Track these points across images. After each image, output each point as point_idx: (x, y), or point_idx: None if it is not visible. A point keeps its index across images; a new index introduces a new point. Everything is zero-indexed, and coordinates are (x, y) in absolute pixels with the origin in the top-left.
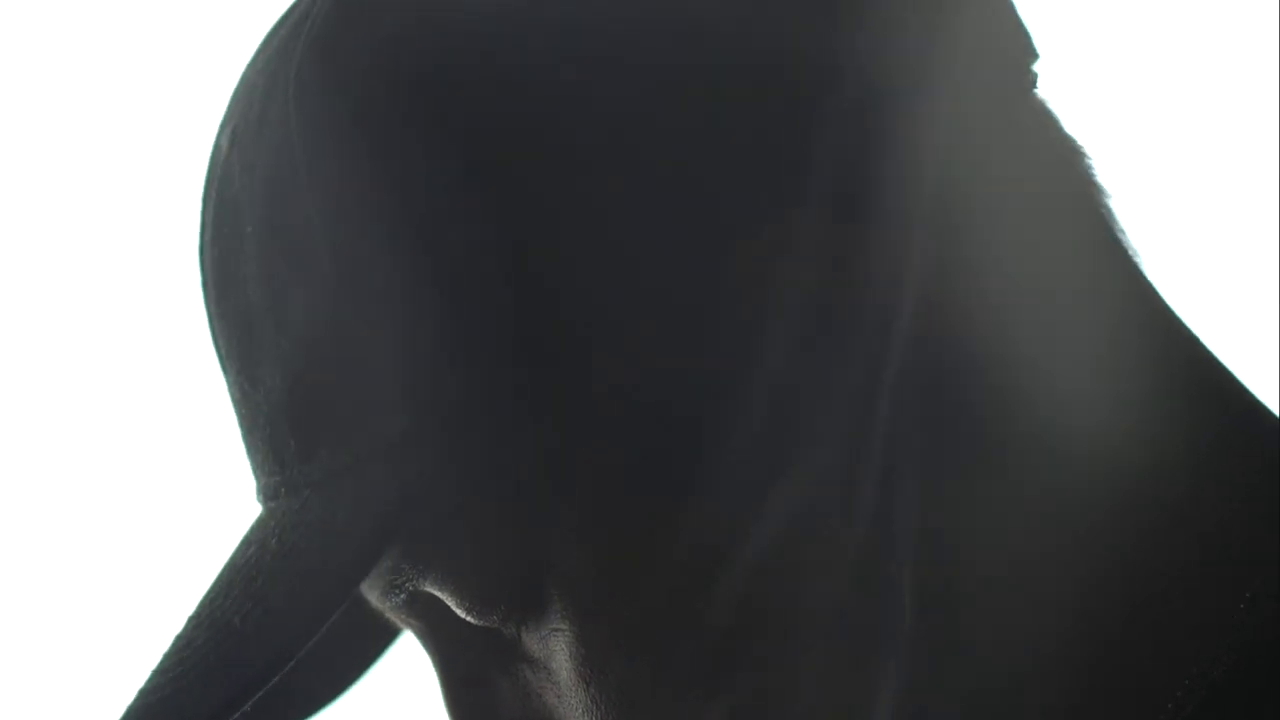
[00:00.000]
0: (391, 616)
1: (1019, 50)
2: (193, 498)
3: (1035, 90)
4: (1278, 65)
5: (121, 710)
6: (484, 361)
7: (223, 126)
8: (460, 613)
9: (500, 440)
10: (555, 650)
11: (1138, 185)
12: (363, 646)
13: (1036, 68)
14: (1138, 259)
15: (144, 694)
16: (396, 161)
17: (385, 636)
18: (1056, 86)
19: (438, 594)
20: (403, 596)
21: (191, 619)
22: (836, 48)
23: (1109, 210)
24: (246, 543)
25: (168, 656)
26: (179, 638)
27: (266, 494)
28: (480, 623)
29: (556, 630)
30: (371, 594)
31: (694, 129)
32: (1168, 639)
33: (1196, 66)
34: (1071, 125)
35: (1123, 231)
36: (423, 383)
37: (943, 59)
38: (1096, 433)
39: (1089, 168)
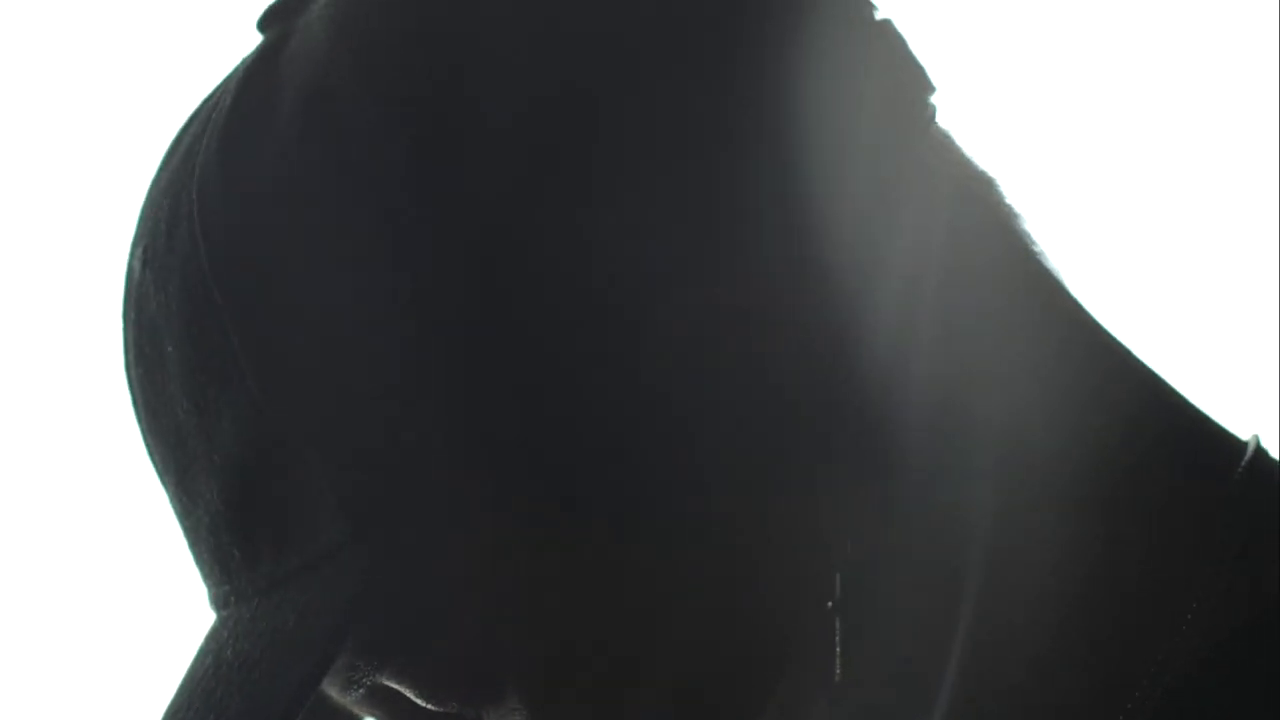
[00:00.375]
0: (353, 709)
1: (915, 88)
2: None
3: (934, 124)
4: (1278, 65)
5: None
6: (418, 464)
7: (134, 245)
8: (420, 702)
9: (439, 539)
10: None
11: (1141, 186)
12: None
13: (934, 100)
14: (1058, 277)
15: None
16: (305, 276)
17: None
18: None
19: (395, 685)
20: (361, 690)
21: None
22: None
23: (1024, 234)
24: (203, 653)
25: None
26: None
27: (217, 603)
28: (440, 709)
29: (515, 710)
30: (331, 690)
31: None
32: (1123, 642)
33: (1197, 66)
34: (976, 153)
35: (1041, 253)
36: (358, 488)
37: (846, 114)
38: (1031, 439)
39: (998, 195)
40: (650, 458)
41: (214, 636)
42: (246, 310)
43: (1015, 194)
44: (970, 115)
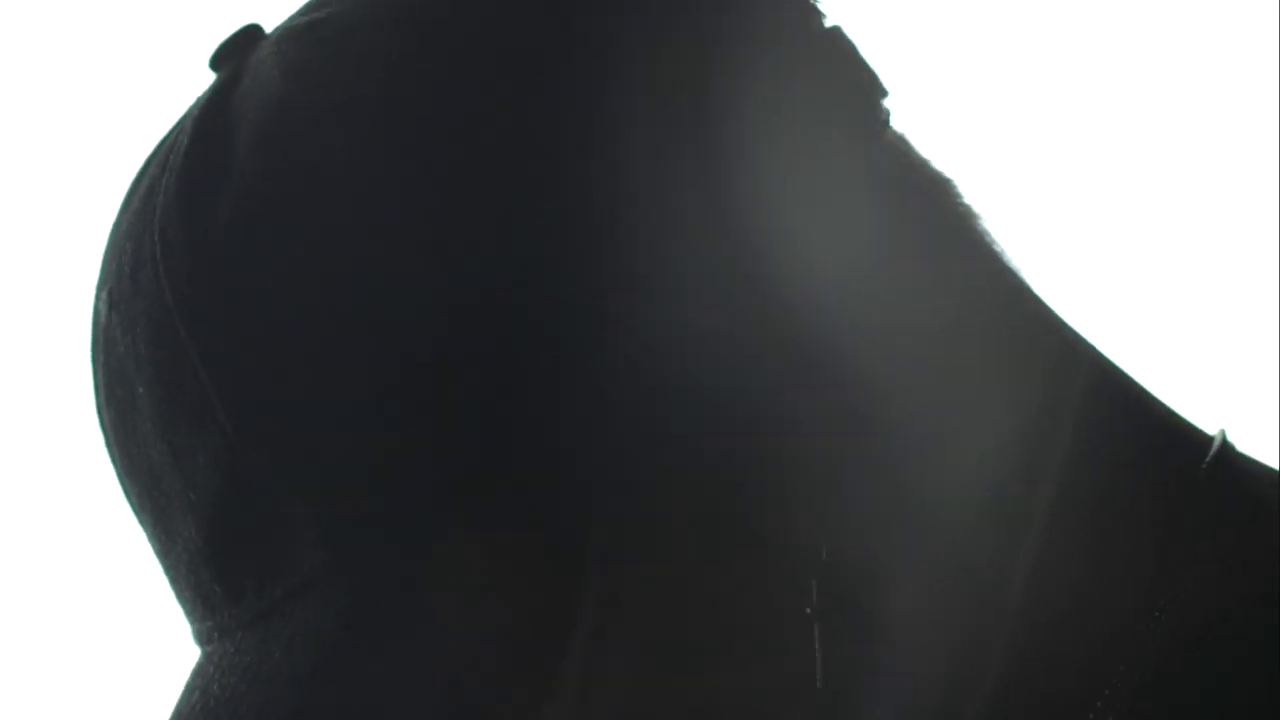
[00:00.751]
0: None
1: (867, 92)
2: None
3: (888, 128)
4: (1278, 65)
5: None
6: (397, 491)
7: (99, 289)
8: None
9: (420, 566)
10: None
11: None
12: None
13: (887, 104)
14: (1020, 275)
15: None
16: (264, 308)
17: None
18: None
19: None
20: None
21: None
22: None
23: (983, 233)
24: (190, 689)
25: None
26: None
27: (201, 638)
28: None
29: None
30: None
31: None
32: (1091, 641)
33: (1199, 66)
34: (933, 155)
35: (1001, 252)
36: (337, 518)
37: (789, 120)
38: (995, 439)
39: (954, 195)
40: (640, 482)
41: (200, 673)
42: (214, 349)
43: (974, 194)
44: (960, 117)
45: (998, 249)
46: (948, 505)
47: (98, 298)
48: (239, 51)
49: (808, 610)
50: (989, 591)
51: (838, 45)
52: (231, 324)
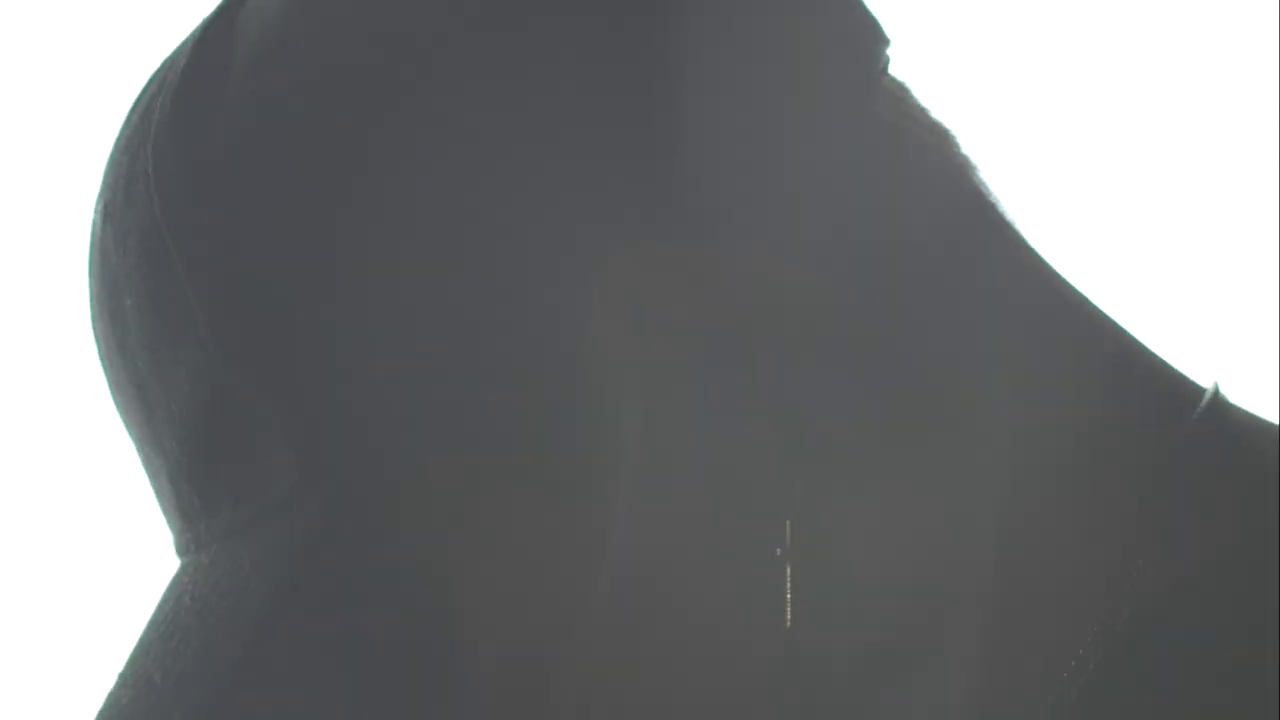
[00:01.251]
0: None
1: (867, 40)
2: None
3: (886, 75)
4: (1278, 65)
5: None
6: (370, 416)
7: (98, 200)
8: None
9: (390, 492)
10: None
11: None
12: None
13: (889, 53)
14: (1015, 227)
15: None
16: (252, 229)
17: None
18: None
19: None
20: None
21: (119, 677)
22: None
23: (980, 184)
24: (164, 599)
25: (99, 716)
26: (109, 696)
27: (179, 549)
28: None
29: None
30: None
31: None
32: (1064, 603)
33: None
34: (933, 106)
35: (997, 203)
36: (310, 439)
37: (789, 63)
38: (982, 389)
39: (953, 145)
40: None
41: (175, 583)
42: (200, 264)
43: (972, 146)
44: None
45: (994, 200)
46: (930, 453)
47: (95, 209)
48: None
49: (778, 551)
50: (965, 541)
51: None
52: (217, 240)
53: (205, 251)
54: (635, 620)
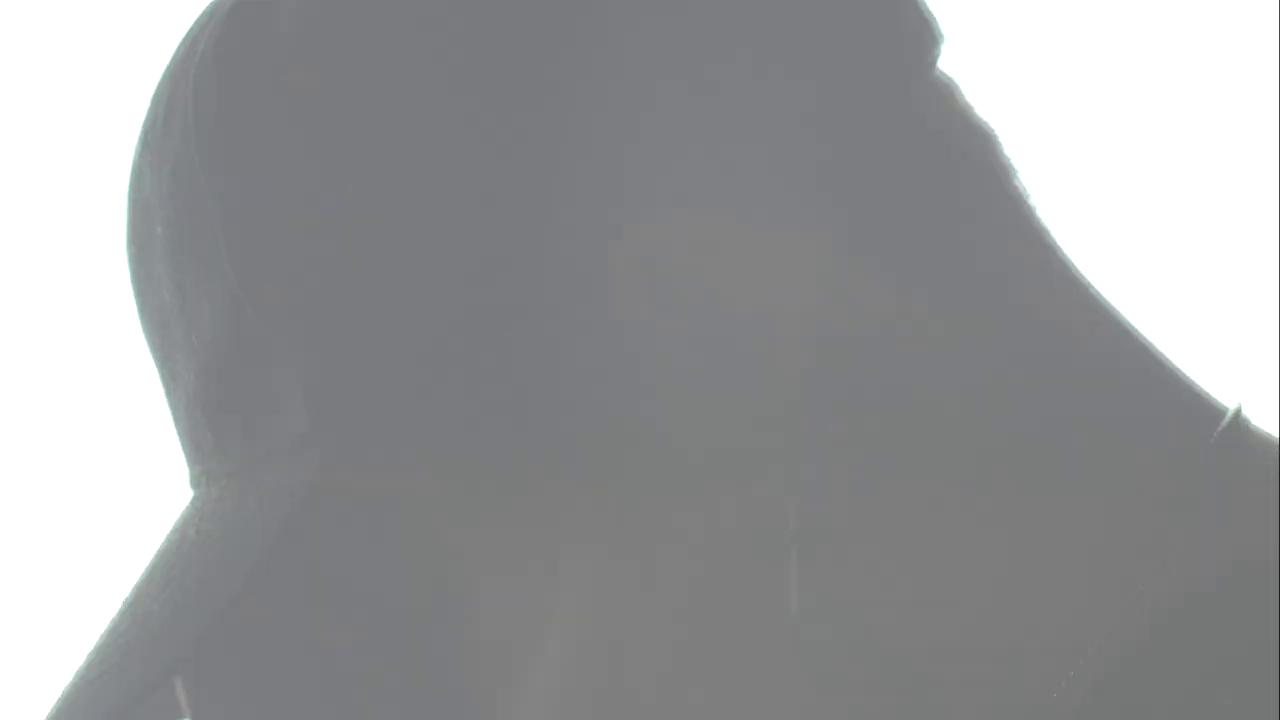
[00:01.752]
0: None
1: (915, 33)
2: None
3: (934, 70)
4: (1278, 65)
5: (55, 697)
6: (383, 368)
7: (141, 129)
8: None
9: (392, 448)
10: None
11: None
12: None
13: (940, 49)
14: (1050, 234)
15: (75, 679)
16: (285, 168)
17: None
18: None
19: None
20: None
21: (121, 606)
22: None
23: (1019, 189)
24: (173, 530)
25: (99, 643)
26: (110, 624)
27: (192, 482)
28: None
29: None
30: None
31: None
32: (1076, 606)
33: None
34: (978, 105)
35: (1034, 209)
36: (324, 383)
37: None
38: (1009, 395)
39: (994, 149)
40: (615, 398)
41: (184, 515)
42: (231, 199)
43: (1013, 149)
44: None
45: (1032, 206)
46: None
47: (139, 138)
48: None
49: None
50: (975, 550)
51: None
52: (250, 178)
53: (237, 186)
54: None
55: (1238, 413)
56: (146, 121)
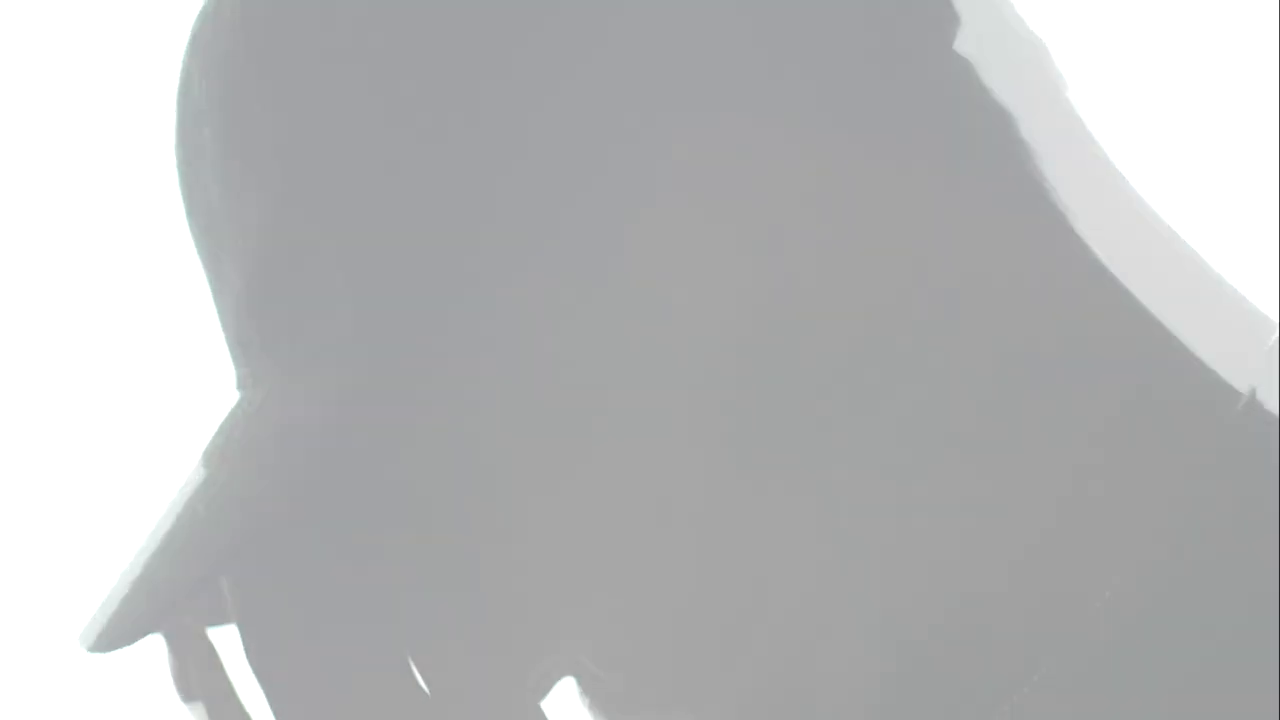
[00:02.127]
0: None
1: (935, 14)
2: None
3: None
4: (1278, 65)
5: (101, 598)
6: (426, 259)
7: (190, 32)
8: None
9: (446, 334)
10: None
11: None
12: None
13: (957, 29)
14: (1069, 214)
15: (123, 579)
16: (333, 72)
17: None
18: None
19: None
20: None
21: (169, 505)
22: None
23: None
24: (221, 430)
25: (144, 544)
26: (157, 524)
27: (238, 384)
28: None
29: None
30: None
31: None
32: (1082, 561)
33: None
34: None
35: (1051, 187)
36: (366, 281)
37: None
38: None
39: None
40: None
41: (231, 416)
42: (281, 105)
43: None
44: None
45: (1048, 187)
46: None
47: (188, 42)
48: None
49: None
50: (985, 501)
51: None
52: (301, 84)
53: (288, 92)
54: None
55: (1253, 394)
56: (196, 24)
